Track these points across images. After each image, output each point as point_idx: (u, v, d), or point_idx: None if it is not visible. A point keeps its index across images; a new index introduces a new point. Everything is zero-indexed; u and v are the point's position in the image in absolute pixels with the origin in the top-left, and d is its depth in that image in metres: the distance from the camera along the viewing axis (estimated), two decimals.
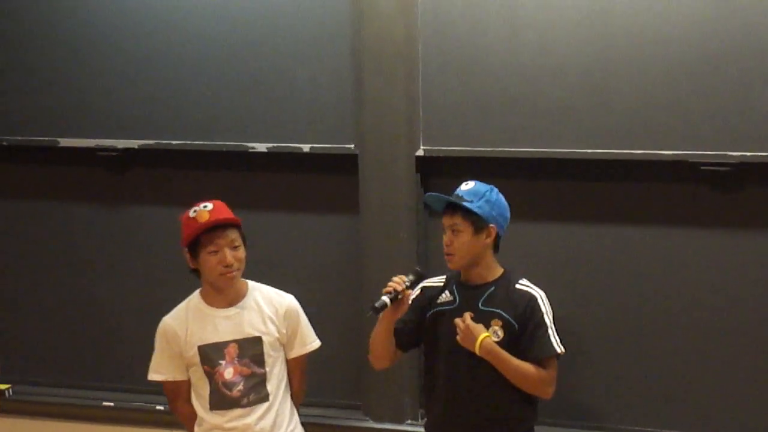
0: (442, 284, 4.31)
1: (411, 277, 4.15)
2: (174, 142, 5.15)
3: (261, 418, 4.29)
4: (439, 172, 4.85)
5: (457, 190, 4.19)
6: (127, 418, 5.31)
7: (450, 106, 4.77)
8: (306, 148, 4.97)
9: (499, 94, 4.70)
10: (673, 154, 4.49)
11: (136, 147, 5.19)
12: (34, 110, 5.33)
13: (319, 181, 5.06)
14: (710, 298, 4.58)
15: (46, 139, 5.31)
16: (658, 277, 4.63)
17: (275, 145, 5.01)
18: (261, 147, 5.02)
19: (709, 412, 4.62)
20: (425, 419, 4.45)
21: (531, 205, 4.72)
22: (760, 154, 4.38)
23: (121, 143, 5.20)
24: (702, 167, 4.45)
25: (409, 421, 4.91)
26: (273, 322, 4.33)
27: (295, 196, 5.07)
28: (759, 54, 4.39)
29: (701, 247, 4.57)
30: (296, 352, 4.42)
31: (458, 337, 4.12)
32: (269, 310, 4.34)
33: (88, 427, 5.37)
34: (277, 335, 4.33)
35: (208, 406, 4.30)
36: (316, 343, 4.46)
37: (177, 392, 4.38)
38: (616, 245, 4.68)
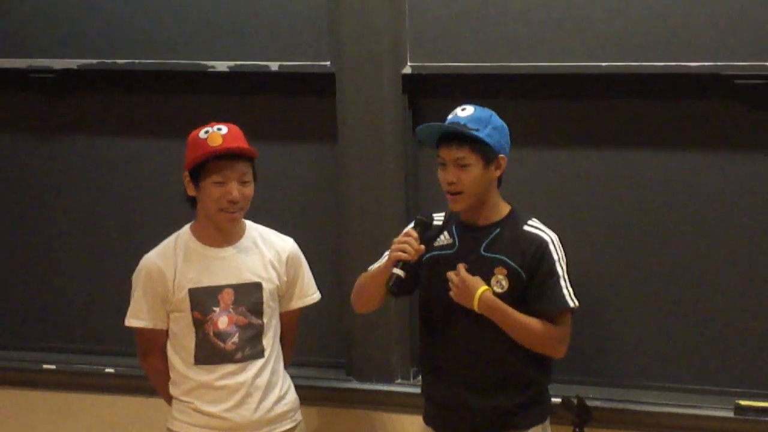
0: (441, 223, 4.13)
1: (418, 229, 3.99)
2: (120, 61, 4.92)
3: (257, 376, 4.11)
4: (429, 92, 4.66)
5: (454, 117, 3.98)
6: (72, 382, 5.11)
7: (441, 15, 4.54)
8: (274, 66, 4.75)
9: (496, 1, 4.49)
10: (700, 66, 4.26)
11: (75, 67, 4.96)
12: None
13: (289, 105, 4.85)
14: (749, 230, 4.35)
15: None
16: (687, 210, 4.42)
17: (238, 63, 4.80)
18: (221, 66, 4.81)
19: (743, 367, 4.43)
20: (420, 379, 4.28)
21: (537, 128, 4.53)
22: None
23: (58, 63, 4.98)
24: (736, 81, 4.24)
25: (399, 381, 4.73)
26: (274, 268, 4.19)
27: (262, 122, 4.83)
28: None
29: (736, 172, 4.37)
30: (294, 304, 4.29)
31: (452, 293, 3.94)
32: (270, 254, 4.21)
33: (27, 394, 5.17)
34: (277, 282, 4.20)
35: (192, 360, 4.12)
36: (316, 296, 4.35)
37: (154, 343, 4.21)
38: (635, 173, 4.47)
